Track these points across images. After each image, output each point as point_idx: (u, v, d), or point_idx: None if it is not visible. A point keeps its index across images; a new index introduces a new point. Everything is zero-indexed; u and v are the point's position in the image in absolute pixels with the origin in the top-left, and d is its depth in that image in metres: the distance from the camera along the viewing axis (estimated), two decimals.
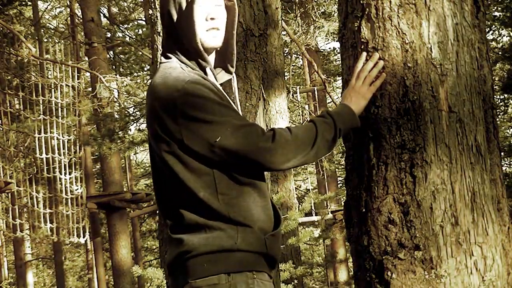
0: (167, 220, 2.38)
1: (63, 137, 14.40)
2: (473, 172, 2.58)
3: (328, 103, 21.31)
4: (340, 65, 4.42)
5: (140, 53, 20.11)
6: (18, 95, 14.26)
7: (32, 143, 14.45)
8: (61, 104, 14.32)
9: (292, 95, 15.58)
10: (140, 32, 21.40)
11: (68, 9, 21.23)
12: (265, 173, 2.46)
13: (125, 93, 20.12)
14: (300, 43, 13.46)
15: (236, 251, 2.27)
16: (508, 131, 22.73)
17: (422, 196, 2.52)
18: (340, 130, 2.47)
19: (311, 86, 20.04)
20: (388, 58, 2.59)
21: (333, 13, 19.54)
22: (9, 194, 14.24)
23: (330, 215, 15.95)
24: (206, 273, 2.26)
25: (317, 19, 15.44)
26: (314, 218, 16.05)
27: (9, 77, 15.34)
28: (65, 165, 14.51)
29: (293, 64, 21.95)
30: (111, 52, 21.97)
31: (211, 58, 2.48)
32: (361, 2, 2.64)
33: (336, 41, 20.18)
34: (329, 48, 30.69)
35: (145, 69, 21.53)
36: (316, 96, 18.85)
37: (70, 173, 14.67)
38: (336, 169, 21.67)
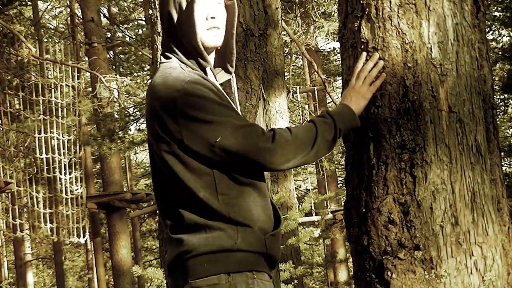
0: (167, 220, 2.38)
1: (63, 137, 14.40)
2: (473, 172, 2.58)
3: (328, 103, 21.31)
4: (340, 65, 4.42)
5: (140, 53, 20.11)
6: (18, 95, 14.26)
7: (32, 143, 14.45)
8: (61, 104, 14.33)
9: (292, 95, 15.58)
10: (140, 32, 21.41)
11: (68, 9, 21.23)
12: (265, 173, 2.46)
13: (125, 93, 20.13)
14: (300, 43, 13.46)
15: (236, 251, 2.27)
16: (508, 131, 22.73)
17: (422, 196, 2.52)
18: (340, 130, 2.47)
19: (311, 86, 20.04)
20: (388, 58, 2.59)
21: (333, 13, 19.55)
22: (9, 194, 14.24)
23: (330, 215, 15.95)
24: (206, 273, 2.26)
25: (317, 19, 15.44)
26: (314, 218, 16.05)
27: (9, 77, 15.34)
28: (65, 165, 14.51)
29: (293, 64, 21.95)
30: (111, 52, 21.98)
31: (211, 57, 2.48)
32: (361, 2, 2.64)
33: (336, 41, 20.18)
34: (329, 48, 30.70)
35: (145, 69, 21.54)
36: (316, 96, 18.85)
37: (70, 173, 14.68)
38: (336, 169, 21.68)
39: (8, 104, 14.04)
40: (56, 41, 18.07)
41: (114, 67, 21.97)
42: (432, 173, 2.53)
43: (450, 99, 2.58)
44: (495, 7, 16.55)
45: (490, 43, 17.04)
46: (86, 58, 16.71)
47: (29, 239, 21.75)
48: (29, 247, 23.89)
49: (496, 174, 2.70)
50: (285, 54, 16.96)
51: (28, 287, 21.53)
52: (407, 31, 2.58)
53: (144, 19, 22.85)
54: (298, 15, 15.44)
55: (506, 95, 18.60)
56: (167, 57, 2.43)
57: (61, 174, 14.48)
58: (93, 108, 15.47)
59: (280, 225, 2.41)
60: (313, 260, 24.39)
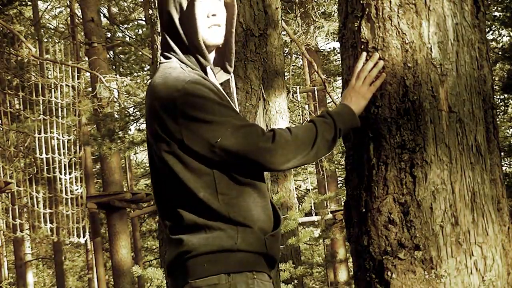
0: (166, 221, 2.38)
1: (63, 137, 14.40)
2: (473, 172, 2.58)
3: (328, 103, 21.31)
4: (340, 65, 4.42)
5: (140, 53, 20.11)
6: (18, 95, 14.26)
7: (32, 143, 14.45)
8: (61, 104, 14.33)
9: (292, 95, 15.58)
10: (140, 32, 21.41)
11: (68, 9, 21.23)
12: (265, 173, 2.46)
13: (125, 93, 20.13)
14: (300, 43, 13.46)
15: (236, 251, 2.27)
16: (508, 131, 22.73)
17: (422, 196, 2.52)
18: (340, 130, 2.47)
19: (311, 86, 20.04)
20: (388, 58, 2.59)
21: (333, 13, 19.55)
22: (9, 194, 14.24)
23: (330, 215, 15.95)
24: (206, 273, 2.26)
25: (317, 19, 15.44)
26: (314, 218, 16.05)
27: (9, 77, 15.35)
28: (65, 165, 14.51)
29: (293, 64, 21.95)
30: (111, 52, 21.98)
31: (211, 56, 2.48)
32: (361, 2, 2.64)
33: (336, 41, 20.18)
34: (329, 48, 30.70)
35: (145, 69, 21.54)
36: (316, 96, 18.86)
37: (70, 173, 14.68)
38: (336, 169, 21.68)
39: (8, 104, 14.04)
40: (56, 41, 18.07)
41: (114, 67, 21.97)
42: (432, 173, 2.53)
43: (450, 99, 2.58)
44: (495, 7, 16.56)
45: (490, 43, 17.04)
46: (86, 58, 16.71)
47: (29, 239, 21.75)
48: (29, 247, 23.89)
49: (496, 174, 2.70)
50: (285, 54, 16.96)
51: (28, 287, 21.53)
52: (407, 31, 2.58)
53: (144, 19, 22.86)
54: (298, 15, 15.44)
55: (506, 95, 18.61)
56: (166, 57, 2.43)
57: (61, 174, 14.49)
58: (93, 108, 15.47)
59: (280, 225, 2.41)
60: (313, 260, 24.39)
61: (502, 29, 17.27)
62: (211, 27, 2.42)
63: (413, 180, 2.53)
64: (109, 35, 21.22)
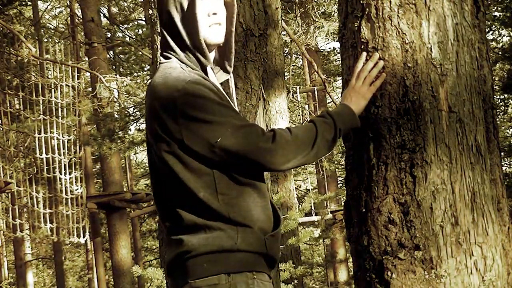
0: (166, 221, 2.37)
1: (63, 137, 14.41)
2: (473, 172, 2.58)
3: (328, 103, 21.32)
4: (340, 65, 4.42)
5: (140, 53, 20.12)
6: (18, 95, 14.27)
7: (32, 143, 14.46)
8: (61, 104, 14.33)
9: (292, 95, 15.59)
10: (140, 32, 21.41)
11: (68, 9, 21.23)
12: (265, 173, 2.46)
13: (125, 93, 20.13)
14: (300, 43, 13.46)
15: (236, 251, 2.27)
16: (508, 131, 22.73)
17: (422, 196, 2.52)
18: (340, 130, 2.47)
19: (311, 86, 20.04)
20: (388, 58, 2.59)
21: (333, 13, 19.55)
22: (9, 194, 14.24)
23: (330, 215, 15.96)
24: (206, 273, 2.26)
25: (317, 19, 15.44)
26: (314, 218, 16.05)
27: (9, 77, 15.35)
28: (65, 165, 14.51)
29: (293, 64, 21.95)
30: (111, 52, 21.99)
31: (211, 56, 2.47)
32: (361, 2, 2.64)
33: (336, 41, 20.19)
34: (329, 48, 30.70)
35: (145, 69, 21.54)
36: (316, 96, 18.86)
37: (70, 173, 14.68)
38: (336, 169, 21.68)
39: (8, 104, 14.04)
40: (56, 41, 18.07)
41: (114, 67, 21.97)
42: (432, 173, 2.53)
43: (450, 99, 2.58)
44: (495, 7, 16.56)
45: (490, 43, 17.04)
46: (86, 58, 16.72)
47: (29, 239, 21.75)
48: (29, 247, 23.89)
49: (496, 174, 2.70)
50: (285, 54, 16.96)
51: (28, 287, 21.53)
52: (407, 31, 2.58)
53: (144, 19, 22.86)
54: (298, 15, 15.44)
55: (506, 95, 18.61)
56: (166, 57, 2.43)
57: (61, 174, 14.49)
58: (93, 108, 15.47)
59: (279, 226, 2.41)
60: (313, 260, 24.40)
61: (502, 29, 17.27)
62: (212, 26, 2.42)
63: (413, 180, 2.53)
64: (109, 35, 21.23)
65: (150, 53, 16.46)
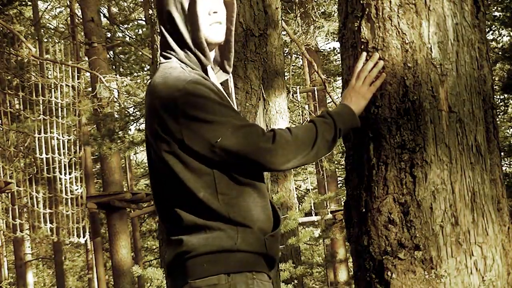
0: (165, 221, 2.37)
1: (63, 137, 14.41)
2: (473, 172, 2.58)
3: (328, 103, 21.32)
4: (340, 65, 4.42)
5: (140, 53, 20.12)
6: (18, 95, 14.27)
7: (32, 143, 14.46)
8: (61, 104, 14.33)
9: (292, 95, 15.58)
10: (140, 32, 21.42)
11: (68, 9, 21.23)
12: (265, 173, 2.46)
13: (125, 93, 20.14)
14: (300, 43, 13.46)
15: (236, 251, 2.27)
16: (508, 131, 22.74)
17: (422, 196, 2.52)
18: (340, 130, 2.47)
19: (311, 86, 20.05)
20: (388, 58, 2.59)
21: (333, 13, 19.55)
22: (9, 194, 14.24)
23: (330, 215, 15.96)
24: (205, 273, 2.26)
25: (317, 19, 15.44)
26: (314, 218, 16.05)
27: (9, 77, 15.35)
28: (65, 165, 14.52)
29: (293, 64, 21.95)
30: (111, 52, 21.99)
31: (211, 55, 2.47)
32: (361, 2, 2.64)
33: (336, 41, 20.19)
34: (329, 48, 30.72)
35: (145, 69, 21.54)
36: (316, 96, 18.86)
37: (70, 173, 14.68)
38: (336, 169, 21.68)
39: (8, 104, 14.04)
40: (56, 41, 18.07)
41: (114, 67, 21.97)
42: (432, 173, 2.53)
43: (450, 99, 2.58)
44: (495, 7, 16.56)
45: (490, 43, 17.04)
46: (86, 58, 16.72)
47: (29, 239, 21.75)
48: (29, 247, 23.89)
49: (496, 174, 2.70)
50: (285, 54, 16.97)
51: (28, 287, 21.53)
52: (407, 31, 2.58)
53: (144, 19, 22.86)
54: (298, 15, 15.44)
55: (506, 95, 18.61)
56: (166, 57, 2.43)
57: (61, 174, 14.49)
58: (93, 108, 15.47)
59: (279, 226, 2.41)
60: (313, 260, 24.40)
61: (502, 29, 17.27)
62: (213, 25, 2.41)
63: (413, 180, 2.53)
64: (109, 35, 21.23)
65: (150, 53, 16.46)
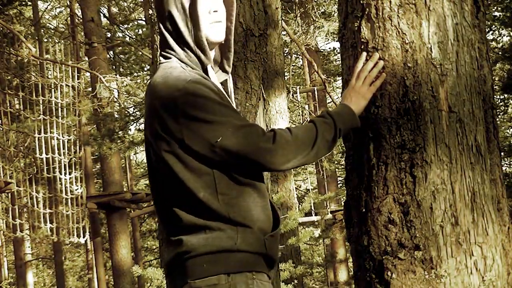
0: (164, 222, 2.37)
1: (63, 137, 14.41)
2: (473, 172, 2.58)
3: (328, 103, 21.32)
4: (340, 65, 4.42)
5: (140, 53, 20.12)
6: (18, 95, 14.27)
7: (32, 143, 14.46)
8: (61, 104, 14.33)
9: (292, 95, 15.58)
10: (140, 32, 21.42)
11: (68, 9, 21.24)
12: (265, 173, 2.46)
13: (125, 93, 20.14)
14: (300, 43, 13.46)
15: (236, 251, 2.26)
16: (508, 131, 22.74)
17: (422, 196, 2.52)
18: (340, 130, 2.47)
19: (311, 86, 20.05)
20: (388, 58, 2.59)
21: (333, 13, 19.56)
22: (9, 194, 14.24)
23: (330, 215, 15.96)
24: (205, 273, 2.26)
25: (317, 19, 15.44)
26: (314, 218, 16.06)
27: (9, 77, 15.35)
28: (65, 165, 14.52)
29: (293, 64, 21.96)
30: (111, 52, 21.99)
31: (211, 54, 2.47)
32: (361, 2, 2.63)
33: (336, 41, 20.19)
34: (329, 48, 30.71)
35: (145, 69, 21.55)
36: (316, 96, 18.87)
37: (70, 173, 14.68)
38: (336, 169, 21.69)
39: (8, 104, 14.04)
40: (56, 41, 18.08)
41: (114, 67, 21.98)
42: (432, 173, 2.53)
43: (450, 99, 2.58)
44: (495, 7, 16.56)
45: (490, 43, 17.05)
46: (86, 58, 16.72)
47: (29, 239, 21.75)
48: (29, 247, 23.89)
49: (496, 174, 2.70)
50: (285, 54, 16.97)
51: (28, 287, 21.53)
52: (407, 31, 2.58)
53: (144, 19, 22.86)
54: (298, 15, 15.44)
55: (506, 95, 18.62)
56: (166, 57, 2.43)
57: (61, 174, 14.49)
58: (93, 108, 15.47)
59: (279, 226, 2.41)
60: (313, 260, 24.41)
61: (502, 29, 17.28)
62: (213, 24, 2.41)
63: (413, 180, 2.53)
64: (109, 35, 21.23)
65: (150, 53, 16.48)
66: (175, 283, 2.32)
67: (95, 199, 16.32)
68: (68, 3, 20.60)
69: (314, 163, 19.20)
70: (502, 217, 2.67)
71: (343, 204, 2.82)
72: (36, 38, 15.84)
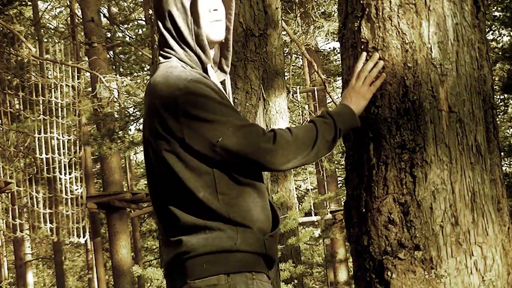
0: (163, 222, 2.36)
1: (63, 137, 14.41)
2: (473, 172, 2.58)
3: (328, 103, 21.32)
4: (340, 65, 4.42)
5: (140, 53, 20.12)
6: (18, 95, 14.27)
7: (32, 143, 14.46)
8: (61, 104, 14.34)
9: (292, 95, 15.58)
10: (140, 32, 21.42)
11: (68, 9, 21.23)
12: (265, 173, 2.46)
13: (125, 93, 20.14)
14: (300, 43, 13.46)
15: (235, 251, 2.26)
16: (508, 131, 22.74)
17: (422, 196, 2.52)
18: (340, 130, 2.47)
19: (311, 86, 20.05)
20: (388, 58, 2.59)
21: (333, 13, 19.56)
22: (9, 194, 14.24)
23: (330, 215, 15.97)
24: (205, 273, 2.25)
25: (317, 19, 15.44)
26: (314, 218, 16.06)
27: (9, 77, 15.35)
28: (65, 165, 14.52)
29: (293, 64, 21.96)
30: (111, 52, 21.99)
31: (211, 54, 2.47)
32: (361, 2, 2.63)
33: (336, 41, 20.19)
34: (329, 48, 30.72)
35: (145, 69, 21.55)
36: (316, 96, 18.87)
37: (70, 173, 14.68)
38: (336, 169, 21.69)
39: (8, 104, 14.04)
40: (56, 41, 18.08)
41: (114, 67, 21.98)
42: (432, 173, 2.53)
43: (450, 99, 2.58)
44: (495, 7, 16.56)
45: (490, 43, 17.04)
46: (86, 58, 16.72)
47: (29, 239, 21.75)
48: (29, 247, 23.89)
49: (496, 174, 2.70)
50: (285, 54, 16.96)
51: (28, 287, 21.53)
52: (407, 31, 2.58)
53: (144, 19, 22.85)
54: (298, 15, 15.44)
55: (506, 95, 18.62)
56: (165, 57, 2.43)
57: (61, 174, 14.49)
58: (93, 108, 15.47)
59: (278, 226, 2.40)
60: (313, 260, 24.42)
61: (502, 29, 17.28)
62: (213, 23, 2.41)
63: (413, 180, 2.53)
64: (109, 35, 21.23)
65: (150, 53, 16.47)
66: (175, 283, 2.31)
67: (95, 199, 16.32)
68: (68, 3, 20.61)
69: (314, 163, 19.20)
70: (502, 217, 2.67)
71: (343, 204, 2.82)
72: (36, 38, 15.84)
